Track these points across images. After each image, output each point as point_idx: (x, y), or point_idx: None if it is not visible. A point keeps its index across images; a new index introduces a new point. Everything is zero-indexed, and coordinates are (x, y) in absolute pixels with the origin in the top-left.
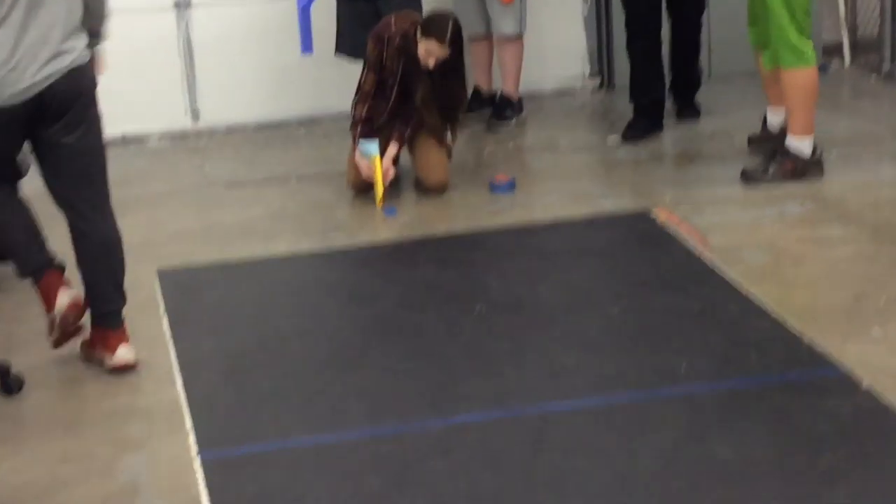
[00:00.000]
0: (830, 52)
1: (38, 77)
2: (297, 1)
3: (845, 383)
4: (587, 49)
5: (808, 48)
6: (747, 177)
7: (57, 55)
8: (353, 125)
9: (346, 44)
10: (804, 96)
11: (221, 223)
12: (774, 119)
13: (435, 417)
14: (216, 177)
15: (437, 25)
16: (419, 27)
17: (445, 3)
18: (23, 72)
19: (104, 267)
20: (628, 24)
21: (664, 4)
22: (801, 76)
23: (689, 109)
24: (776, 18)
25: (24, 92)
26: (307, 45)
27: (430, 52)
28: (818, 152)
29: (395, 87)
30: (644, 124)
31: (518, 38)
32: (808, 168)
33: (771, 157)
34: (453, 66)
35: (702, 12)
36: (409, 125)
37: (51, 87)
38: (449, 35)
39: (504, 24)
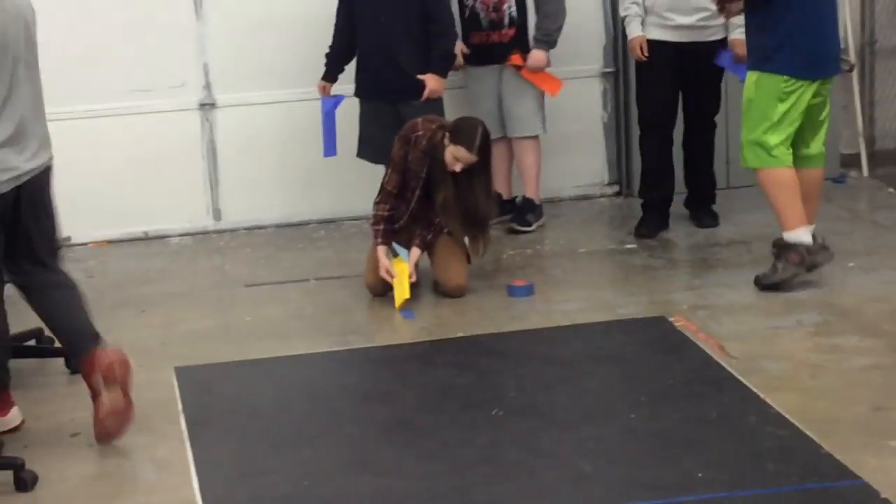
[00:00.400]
0: (848, 163)
1: (31, 165)
2: (321, 105)
3: (864, 495)
4: (606, 156)
5: (777, 146)
6: (760, 279)
7: (43, 146)
8: (374, 224)
9: (368, 147)
10: (781, 193)
11: (240, 323)
12: None
13: None
14: (236, 276)
15: (466, 133)
16: (447, 133)
17: (462, 106)
18: (24, 156)
19: (74, 306)
20: (642, 120)
21: (680, 104)
22: (771, 175)
23: (707, 216)
24: (745, 117)
25: (16, 179)
26: (330, 149)
27: (457, 158)
28: (819, 238)
29: (418, 190)
30: (655, 221)
31: (537, 136)
32: (815, 255)
33: (777, 256)
34: (479, 173)
35: (717, 110)
36: (431, 230)
37: (32, 178)
38: (478, 143)
39: (530, 126)
